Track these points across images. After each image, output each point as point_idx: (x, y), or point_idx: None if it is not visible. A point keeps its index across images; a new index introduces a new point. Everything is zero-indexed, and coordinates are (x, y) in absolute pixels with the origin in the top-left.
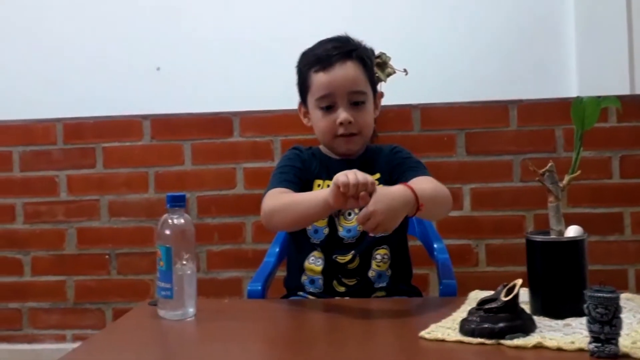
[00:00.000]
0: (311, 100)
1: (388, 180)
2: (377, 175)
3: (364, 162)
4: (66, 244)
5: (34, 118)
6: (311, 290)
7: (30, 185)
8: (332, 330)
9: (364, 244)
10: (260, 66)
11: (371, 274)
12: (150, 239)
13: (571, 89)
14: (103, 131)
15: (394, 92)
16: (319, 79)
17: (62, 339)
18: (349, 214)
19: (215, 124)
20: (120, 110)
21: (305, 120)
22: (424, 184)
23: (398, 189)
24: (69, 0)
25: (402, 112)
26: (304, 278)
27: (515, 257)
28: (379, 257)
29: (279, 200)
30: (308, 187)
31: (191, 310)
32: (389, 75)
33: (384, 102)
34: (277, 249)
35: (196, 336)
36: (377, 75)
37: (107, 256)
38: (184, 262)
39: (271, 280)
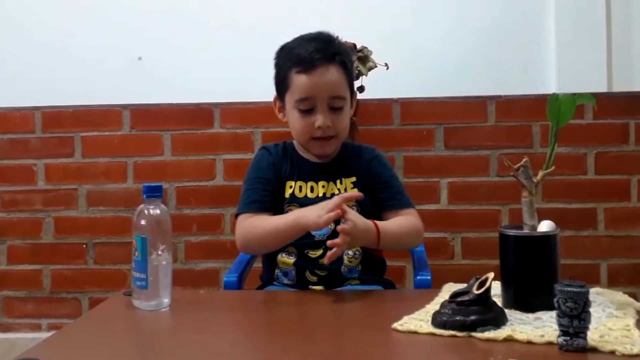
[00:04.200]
0: (290, 99)
1: (364, 183)
2: (353, 179)
3: (338, 164)
4: (43, 233)
5: (12, 106)
6: (285, 282)
7: (7, 174)
8: (306, 322)
9: None
10: (242, 58)
11: (343, 268)
12: (128, 229)
13: (549, 86)
14: (82, 120)
15: (375, 86)
16: (301, 81)
17: (37, 328)
18: None
19: (196, 115)
20: (100, 100)
21: (280, 115)
22: (393, 226)
23: (370, 230)
24: None
25: (383, 106)
26: (277, 271)
27: (490, 250)
28: (350, 253)
29: (253, 231)
30: (280, 190)
31: (166, 300)
32: (370, 69)
33: (365, 96)
34: None
35: (170, 326)
36: (358, 69)
37: (84, 245)
38: (160, 253)
39: (248, 271)
